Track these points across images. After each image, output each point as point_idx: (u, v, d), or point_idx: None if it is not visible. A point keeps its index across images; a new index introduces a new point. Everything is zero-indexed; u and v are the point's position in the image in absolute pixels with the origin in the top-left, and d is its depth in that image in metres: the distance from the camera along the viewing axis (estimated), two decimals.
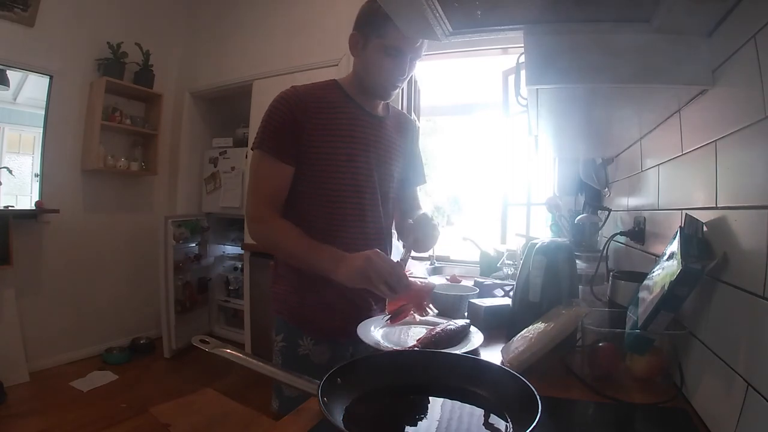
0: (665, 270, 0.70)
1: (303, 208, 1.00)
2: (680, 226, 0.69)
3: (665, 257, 0.72)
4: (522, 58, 0.81)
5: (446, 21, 0.71)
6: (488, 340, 0.95)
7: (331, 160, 0.99)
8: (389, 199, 1.11)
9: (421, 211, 1.10)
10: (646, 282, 0.77)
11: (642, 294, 0.76)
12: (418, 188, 1.25)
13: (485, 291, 1.40)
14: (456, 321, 0.97)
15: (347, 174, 1.00)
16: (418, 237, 0.95)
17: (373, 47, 0.96)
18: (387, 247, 1.11)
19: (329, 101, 1.00)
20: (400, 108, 2.66)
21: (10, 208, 2.73)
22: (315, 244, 0.92)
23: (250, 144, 1.03)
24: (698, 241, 0.65)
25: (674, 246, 0.70)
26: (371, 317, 1.02)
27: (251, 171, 1.01)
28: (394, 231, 1.21)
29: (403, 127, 1.17)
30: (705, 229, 0.67)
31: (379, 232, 1.07)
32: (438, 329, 0.91)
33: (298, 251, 0.94)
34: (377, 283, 0.82)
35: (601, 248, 1.30)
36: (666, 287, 0.64)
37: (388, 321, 0.96)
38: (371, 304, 1.07)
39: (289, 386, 0.94)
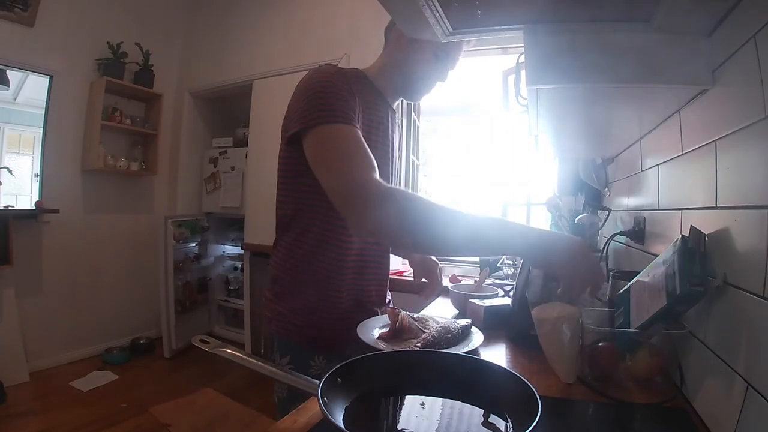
0: (656, 271, 0.70)
1: (314, 204, 0.91)
2: (682, 235, 0.68)
3: (660, 261, 0.73)
4: (522, 58, 0.81)
5: (446, 21, 0.71)
6: (488, 340, 0.95)
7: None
8: None
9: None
10: (637, 281, 0.78)
11: (632, 294, 0.77)
12: None
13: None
14: (457, 321, 0.96)
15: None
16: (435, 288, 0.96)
17: (423, 45, 0.92)
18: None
19: (363, 91, 0.92)
20: (399, 108, 2.67)
21: (10, 208, 2.73)
22: (491, 216, 0.76)
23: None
24: (701, 256, 0.64)
25: (670, 252, 0.69)
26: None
27: (341, 146, 0.78)
28: None
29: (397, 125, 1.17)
30: (707, 240, 0.67)
31: None
32: (438, 329, 0.91)
33: (480, 225, 0.69)
34: (579, 279, 0.67)
35: (601, 248, 1.30)
36: (666, 303, 0.65)
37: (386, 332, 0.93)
38: (376, 312, 1.04)
39: (292, 403, 0.91)
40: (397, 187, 0.75)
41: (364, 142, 0.80)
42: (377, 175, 0.74)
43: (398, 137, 1.12)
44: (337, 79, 0.84)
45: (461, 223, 0.69)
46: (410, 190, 0.83)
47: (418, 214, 0.69)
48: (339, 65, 0.95)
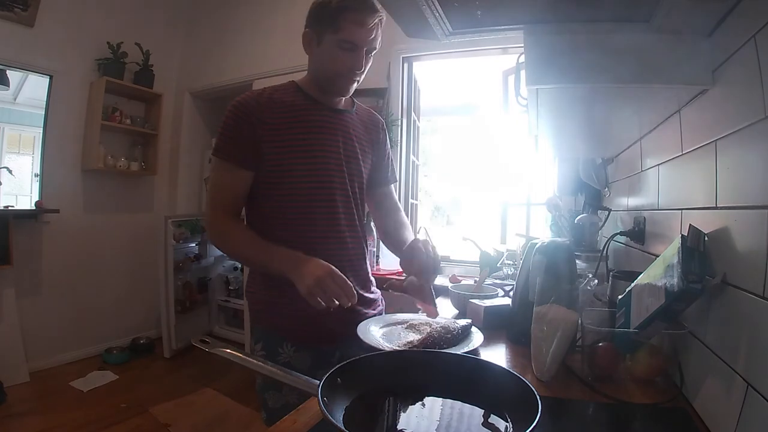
0: (656, 271, 0.70)
1: (272, 214, 0.99)
2: (682, 235, 0.69)
3: (661, 260, 0.73)
4: (522, 58, 0.81)
5: (446, 21, 0.71)
6: (488, 340, 0.95)
7: (295, 160, 0.97)
8: (362, 197, 1.10)
9: (412, 237, 1.06)
10: (638, 283, 0.78)
11: (634, 296, 0.77)
12: (392, 186, 1.23)
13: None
14: (457, 321, 0.96)
15: (313, 173, 0.98)
16: (422, 272, 0.93)
17: (328, 43, 0.95)
18: (363, 247, 1.10)
19: (290, 102, 1.00)
20: (399, 108, 2.67)
21: (10, 208, 2.73)
22: (270, 245, 0.94)
23: None
24: (699, 255, 0.65)
25: (672, 250, 0.69)
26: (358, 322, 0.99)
27: (211, 178, 1.03)
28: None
29: (371, 123, 1.15)
30: (706, 239, 0.67)
31: (353, 230, 1.06)
32: (438, 329, 0.91)
33: (254, 253, 0.96)
34: (327, 301, 0.84)
35: (601, 248, 1.30)
36: (664, 301, 0.65)
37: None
38: (361, 311, 1.05)
39: (272, 397, 0.98)
40: (226, 221, 0.98)
41: (229, 177, 0.98)
42: (220, 214, 0.98)
43: (358, 132, 1.09)
44: (237, 111, 0.96)
45: (245, 249, 0.98)
46: (235, 225, 0.99)
47: (227, 244, 1.01)
48: None
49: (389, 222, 1.17)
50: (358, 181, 1.08)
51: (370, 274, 1.14)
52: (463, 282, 1.61)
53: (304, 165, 0.98)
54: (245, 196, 1.00)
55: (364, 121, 1.13)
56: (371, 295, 1.12)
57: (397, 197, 1.24)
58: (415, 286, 0.94)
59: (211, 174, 1.02)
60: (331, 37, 0.93)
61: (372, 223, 1.24)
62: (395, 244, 1.13)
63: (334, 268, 0.86)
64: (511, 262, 1.86)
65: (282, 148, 0.96)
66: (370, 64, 0.99)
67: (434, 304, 0.94)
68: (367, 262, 1.13)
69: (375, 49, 0.98)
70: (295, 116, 0.99)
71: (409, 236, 1.12)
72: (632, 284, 0.80)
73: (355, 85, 1.01)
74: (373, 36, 0.94)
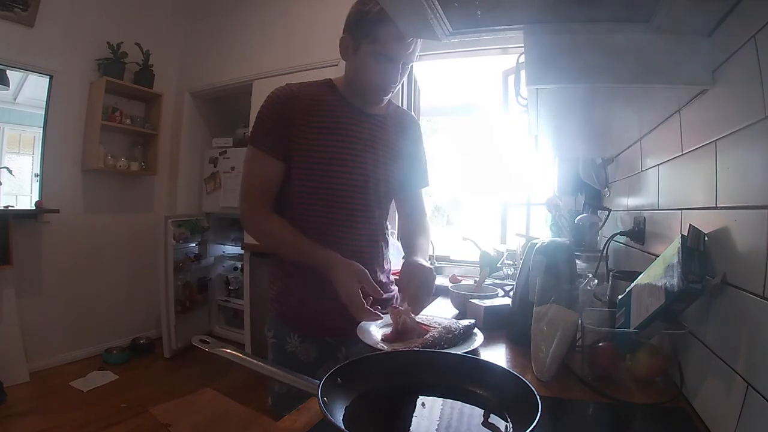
0: (657, 271, 0.70)
1: (297, 209, 1.01)
2: (682, 235, 0.69)
3: (661, 260, 0.73)
4: (522, 58, 0.81)
5: (446, 21, 0.71)
6: (488, 340, 0.95)
7: (325, 159, 0.98)
8: (387, 201, 1.11)
9: (414, 258, 1.03)
10: (638, 283, 0.78)
11: (634, 295, 0.77)
12: (422, 190, 1.23)
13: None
14: (460, 321, 0.96)
15: (341, 174, 0.99)
16: (413, 294, 0.95)
17: (365, 52, 0.95)
18: (380, 249, 1.11)
19: (323, 101, 1.01)
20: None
21: (10, 208, 2.73)
22: (309, 242, 0.96)
23: None
24: (699, 255, 0.65)
25: (672, 250, 0.69)
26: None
27: (244, 167, 1.04)
28: (391, 231, 1.22)
29: (405, 126, 1.15)
30: (706, 239, 0.67)
31: (372, 235, 1.07)
32: (440, 329, 0.91)
33: (293, 247, 0.98)
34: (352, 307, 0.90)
35: (601, 248, 1.30)
36: (664, 301, 0.65)
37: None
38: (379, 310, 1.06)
39: (279, 382, 0.98)
40: (263, 211, 1.01)
41: (262, 166, 0.99)
42: (255, 202, 1.01)
43: (390, 136, 1.09)
44: (274, 102, 0.99)
45: (283, 242, 1.00)
46: (273, 216, 1.02)
47: (263, 233, 1.04)
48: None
49: (409, 225, 1.18)
50: (384, 188, 1.08)
51: (382, 277, 1.13)
52: (463, 282, 1.61)
53: (330, 168, 0.98)
54: (277, 186, 1.01)
55: (399, 122, 1.13)
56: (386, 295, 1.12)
57: (425, 202, 1.24)
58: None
59: (244, 161, 1.03)
60: (368, 47, 0.93)
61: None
62: (405, 249, 1.14)
63: (361, 270, 0.90)
64: (511, 262, 1.86)
65: (309, 149, 0.98)
66: (406, 74, 1.00)
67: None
68: (384, 266, 1.14)
69: (412, 62, 0.98)
70: (328, 118, 1.00)
71: (419, 243, 1.11)
72: (632, 284, 0.80)
73: (389, 96, 1.02)
74: (411, 50, 0.94)
